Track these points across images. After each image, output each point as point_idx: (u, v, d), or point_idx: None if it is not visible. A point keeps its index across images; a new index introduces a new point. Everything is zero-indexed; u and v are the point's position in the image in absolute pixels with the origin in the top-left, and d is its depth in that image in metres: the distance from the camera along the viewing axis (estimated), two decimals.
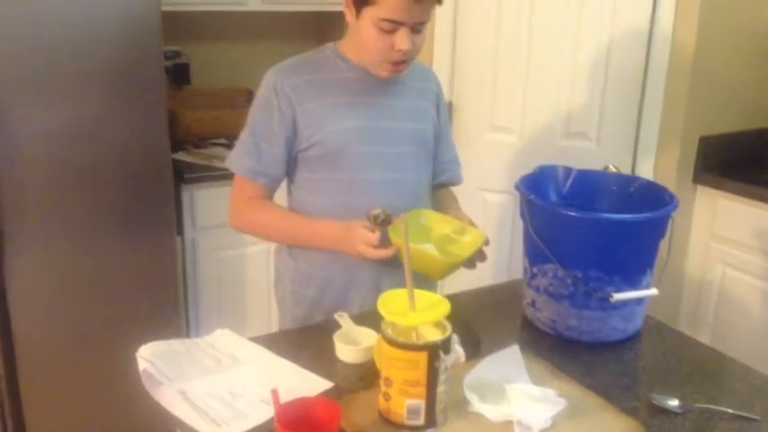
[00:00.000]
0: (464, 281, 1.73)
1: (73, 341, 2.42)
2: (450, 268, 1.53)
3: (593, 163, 2.65)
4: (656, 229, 1.45)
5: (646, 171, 2.64)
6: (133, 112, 2.36)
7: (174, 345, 1.42)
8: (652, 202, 1.53)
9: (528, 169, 2.61)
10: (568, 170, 1.67)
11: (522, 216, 1.54)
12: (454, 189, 1.94)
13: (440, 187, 1.90)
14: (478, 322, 1.59)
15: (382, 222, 1.51)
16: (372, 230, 1.52)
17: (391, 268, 1.57)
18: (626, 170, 2.65)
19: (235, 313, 2.91)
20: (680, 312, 2.80)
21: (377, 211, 1.52)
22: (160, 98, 2.39)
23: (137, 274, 2.49)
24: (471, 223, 1.68)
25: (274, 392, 1.10)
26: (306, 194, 1.72)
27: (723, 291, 2.68)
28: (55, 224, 2.31)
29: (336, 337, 1.41)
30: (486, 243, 1.61)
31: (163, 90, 2.40)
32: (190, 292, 2.82)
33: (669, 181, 2.64)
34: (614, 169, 2.62)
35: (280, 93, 1.63)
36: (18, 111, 2.17)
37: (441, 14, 2.76)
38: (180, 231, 2.71)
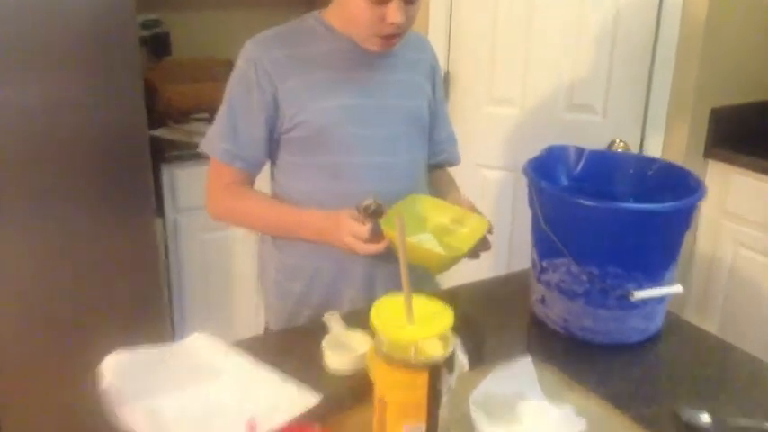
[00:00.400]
0: (464, 270, 1.58)
1: (49, 327, 2.28)
2: (451, 262, 1.38)
3: (598, 137, 2.49)
4: (683, 219, 1.30)
5: (655, 145, 2.48)
6: (106, 87, 2.19)
7: (143, 354, 1.26)
8: (673, 188, 1.38)
9: (529, 144, 2.45)
10: (580, 151, 1.52)
11: (531, 205, 1.39)
12: (452, 170, 1.79)
13: (436, 168, 1.75)
14: (482, 321, 1.45)
15: (373, 214, 1.36)
16: (362, 222, 1.37)
17: (385, 260, 1.42)
18: (634, 144, 2.50)
19: (221, 299, 2.76)
20: (689, 294, 2.66)
21: (367, 202, 1.37)
22: (135, 71, 2.22)
23: (116, 258, 2.34)
24: (473, 208, 1.52)
25: (250, 425, 0.95)
26: (290, 179, 1.56)
27: (734, 271, 2.55)
28: (28, 206, 2.16)
29: (325, 344, 1.26)
30: (490, 231, 1.46)
31: (138, 62, 2.23)
32: (174, 276, 2.67)
33: (679, 156, 2.49)
34: (621, 145, 2.47)
35: (259, 68, 1.46)
36: None
37: None
38: (161, 213, 2.55)
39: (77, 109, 2.16)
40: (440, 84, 1.70)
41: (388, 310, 1.03)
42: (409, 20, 1.43)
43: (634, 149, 2.50)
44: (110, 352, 1.22)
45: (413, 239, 1.41)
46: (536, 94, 2.58)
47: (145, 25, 2.89)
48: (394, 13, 1.38)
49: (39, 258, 2.22)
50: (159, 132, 2.67)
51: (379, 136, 1.52)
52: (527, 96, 2.59)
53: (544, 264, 1.37)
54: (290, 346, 1.32)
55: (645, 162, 1.49)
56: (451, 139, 1.77)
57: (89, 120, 2.19)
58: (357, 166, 1.51)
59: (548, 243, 1.34)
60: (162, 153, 2.52)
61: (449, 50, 2.65)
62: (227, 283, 2.76)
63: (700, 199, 1.28)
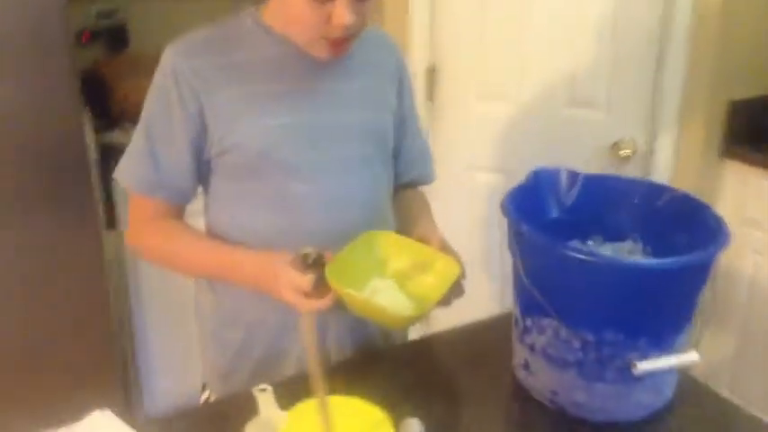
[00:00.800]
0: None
1: None
2: (413, 321, 1.13)
3: (602, 136, 2.22)
4: (701, 274, 1.03)
5: (665, 145, 2.21)
6: (38, 90, 1.92)
7: None
8: (687, 224, 1.12)
9: (525, 144, 2.19)
10: (574, 175, 1.25)
11: (511, 249, 1.12)
12: (440, 172, 1.54)
13: (406, 188, 1.48)
14: (456, 387, 1.20)
15: (314, 264, 1.10)
16: (303, 271, 1.11)
17: (340, 308, 1.16)
18: (643, 144, 2.22)
19: (183, 314, 2.50)
20: (704, 310, 2.39)
21: (306, 251, 1.11)
22: (70, 71, 1.95)
23: (61, 277, 2.07)
24: (444, 245, 1.25)
25: None
26: (225, 211, 1.30)
27: (755, 283, 2.28)
28: None
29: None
30: (463, 276, 1.20)
31: (72, 61, 1.96)
32: (132, 293, 2.41)
33: (693, 156, 2.22)
34: (628, 148, 2.19)
35: (180, 80, 1.20)
36: None
37: None
38: (112, 224, 2.29)
39: (7, 118, 1.90)
40: (408, 89, 1.43)
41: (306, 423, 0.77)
42: (361, 18, 1.16)
43: (643, 150, 2.22)
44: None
45: (365, 293, 1.16)
46: (532, 88, 2.30)
47: (100, 15, 2.62)
48: (341, 13, 1.11)
49: None
50: (114, 136, 2.40)
51: (329, 159, 1.26)
52: (522, 91, 2.31)
53: (527, 322, 1.11)
54: (211, 427, 1.07)
55: (654, 191, 1.21)
56: (424, 154, 1.51)
57: (21, 127, 1.93)
58: (303, 196, 1.25)
59: (531, 297, 1.08)
60: (113, 160, 2.26)
61: (432, 39, 2.36)
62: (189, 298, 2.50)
63: (722, 247, 1.01)
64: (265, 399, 1.08)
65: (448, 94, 2.39)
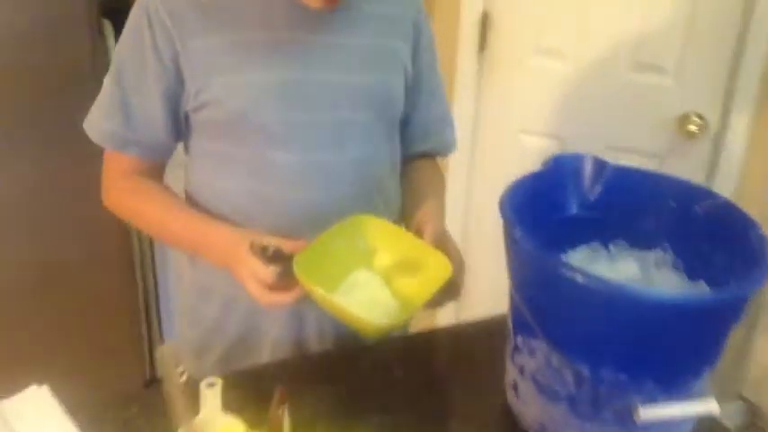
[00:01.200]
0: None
1: None
2: (392, 329, 0.97)
3: (668, 107, 1.98)
4: (731, 313, 0.83)
5: (739, 126, 1.94)
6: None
7: None
8: (727, 240, 0.92)
9: (581, 108, 1.97)
10: (601, 165, 1.06)
11: (506, 253, 0.94)
12: (490, 133, 1.35)
13: (420, 158, 1.30)
14: (440, 396, 1.05)
15: (274, 257, 0.96)
16: (266, 262, 0.97)
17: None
18: (714, 122, 1.96)
19: None
20: (757, 309, 2.14)
21: (264, 242, 0.97)
22: None
23: (77, 205, 1.97)
24: (438, 237, 1.08)
25: None
26: (203, 173, 1.17)
27: None
28: None
29: None
30: (460, 277, 1.04)
31: None
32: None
33: None
34: (696, 123, 1.94)
35: (154, 22, 1.05)
36: None
37: None
38: None
39: (25, 33, 1.80)
40: (427, 46, 1.24)
41: None
42: None
43: (713, 127, 1.97)
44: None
45: (342, 287, 1.01)
46: (593, 46, 2.05)
47: None
48: None
49: None
50: None
51: (319, 125, 1.10)
52: (582, 48, 2.07)
53: (518, 340, 0.94)
54: (151, 412, 0.96)
55: (693, 194, 1.00)
56: (442, 121, 1.33)
57: (40, 44, 1.82)
58: (286, 165, 1.10)
59: (521, 313, 0.91)
60: None
61: None
62: None
63: (762, 283, 0.81)
64: (210, 395, 0.96)
65: (501, 45, 2.16)
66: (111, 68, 1.11)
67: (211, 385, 0.96)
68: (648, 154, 2.03)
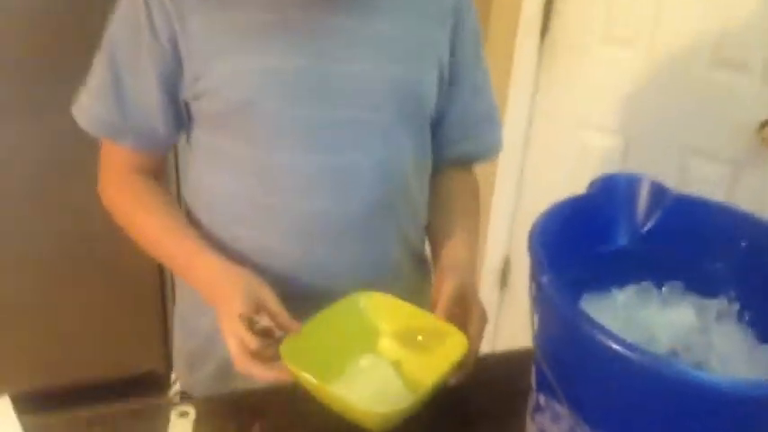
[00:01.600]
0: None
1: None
2: (403, 414, 0.83)
3: (749, 111, 1.77)
4: None
5: None
6: None
7: None
8: None
9: (653, 104, 1.80)
10: (660, 191, 0.89)
11: (529, 289, 0.79)
12: (545, 130, 1.20)
13: (451, 168, 1.15)
14: None
15: (263, 334, 0.84)
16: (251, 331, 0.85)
17: (333, 293, 0.94)
18: None
19: None
20: None
21: (255, 317, 0.85)
22: None
23: None
24: (465, 293, 0.94)
25: None
26: (203, 173, 1.05)
27: None
28: None
29: None
30: (467, 366, 0.89)
31: None
32: None
33: None
34: None
35: None
36: None
37: None
38: None
39: None
40: (469, 34, 1.08)
41: None
42: None
43: None
44: None
45: (340, 385, 0.87)
46: (670, 39, 1.85)
47: None
48: None
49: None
50: None
51: (330, 121, 0.96)
52: (656, 37, 1.86)
53: (540, 399, 0.79)
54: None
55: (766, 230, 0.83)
56: (487, 120, 1.16)
57: None
58: (290, 166, 0.97)
59: (543, 370, 0.76)
60: None
61: None
62: None
63: None
64: (181, 427, 0.85)
65: (566, 31, 1.98)
66: (102, 48, 0.99)
67: (183, 415, 0.85)
68: (723, 160, 1.83)
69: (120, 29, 0.97)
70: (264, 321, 0.87)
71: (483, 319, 0.95)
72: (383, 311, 0.95)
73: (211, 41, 0.93)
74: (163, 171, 1.09)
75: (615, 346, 0.63)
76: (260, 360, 0.84)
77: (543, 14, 1.95)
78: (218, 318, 0.89)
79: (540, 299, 0.74)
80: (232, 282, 0.89)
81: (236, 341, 0.85)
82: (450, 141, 1.13)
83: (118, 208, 1.05)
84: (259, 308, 0.87)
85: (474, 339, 0.91)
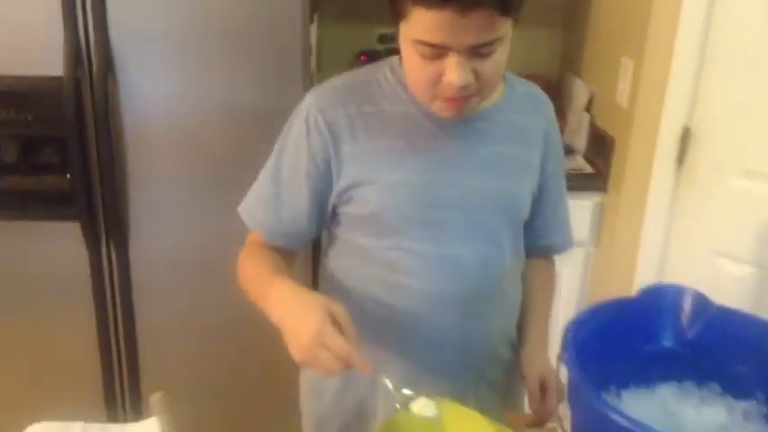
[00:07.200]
0: None
1: None
2: None
3: None
4: None
5: None
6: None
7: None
8: None
9: None
10: (703, 302, 1.01)
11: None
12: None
13: (537, 256, 1.38)
14: None
15: None
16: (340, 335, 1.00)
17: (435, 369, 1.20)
18: None
19: None
20: None
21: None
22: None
23: None
24: (545, 374, 1.19)
25: None
26: (343, 257, 1.29)
27: None
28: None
29: None
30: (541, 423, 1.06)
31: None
32: None
33: None
34: None
35: (312, 130, 1.19)
36: None
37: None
38: None
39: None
40: (556, 152, 1.31)
41: None
42: (483, 77, 1.06)
43: None
44: None
45: None
46: None
47: (382, 39, 2.72)
48: (451, 71, 1.03)
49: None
50: None
51: (449, 222, 1.19)
52: None
53: None
54: None
55: None
56: (565, 221, 1.38)
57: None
58: (418, 256, 1.19)
59: None
60: None
61: (695, 99, 2.06)
62: None
63: None
64: None
65: (703, 164, 2.08)
66: (270, 163, 1.26)
67: None
68: None
69: (285, 149, 1.23)
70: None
71: (559, 396, 1.16)
72: (455, 416, 1.04)
73: (359, 162, 1.18)
74: (293, 258, 1.31)
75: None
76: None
77: (679, 146, 2.07)
78: (284, 330, 1.03)
79: (572, 391, 0.89)
80: (305, 298, 1.05)
81: (311, 331, 0.98)
82: (537, 237, 1.33)
83: (240, 267, 1.26)
84: (332, 321, 1.00)
85: (548, 410, 1.16)
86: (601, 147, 2.38)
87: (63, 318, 2.14)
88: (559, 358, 0.91)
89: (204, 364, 2.24)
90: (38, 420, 1.15)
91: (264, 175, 1.27)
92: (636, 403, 0.98)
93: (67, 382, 2.20)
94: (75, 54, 1.87)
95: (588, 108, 2.52)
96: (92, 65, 1.90)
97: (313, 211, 1.23)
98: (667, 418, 0.96)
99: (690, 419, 0.96)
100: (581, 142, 2.52)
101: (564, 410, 1.07)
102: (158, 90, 1.96)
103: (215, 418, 2.13)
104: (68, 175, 1.97)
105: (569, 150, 2.47)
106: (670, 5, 2.01)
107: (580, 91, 2.59)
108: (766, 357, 0.94)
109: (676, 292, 1.03)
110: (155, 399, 1.00)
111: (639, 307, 1.02)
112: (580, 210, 2.30)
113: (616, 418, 0.80)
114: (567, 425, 0.99)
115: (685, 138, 2.08)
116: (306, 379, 1.39)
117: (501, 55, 1.06)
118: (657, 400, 0.99)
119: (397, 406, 1.02)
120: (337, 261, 1.30)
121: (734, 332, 0.98)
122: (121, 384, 2.24)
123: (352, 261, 1.26)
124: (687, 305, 1.02)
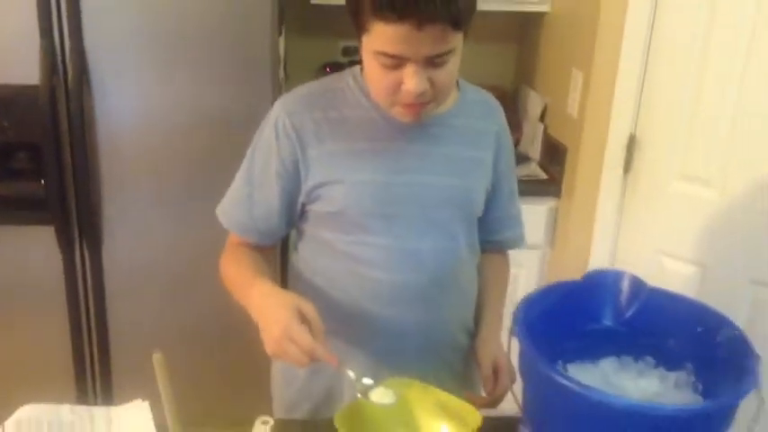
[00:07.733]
0: None
1: None
2: None
3: None
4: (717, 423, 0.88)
5: None
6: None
7: (64, 413, 1.20)
8: (739, 369, 0.96)
9: (728, 239, 1.96)
10: (638, 285, 1.13)
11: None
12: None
13: (491, 251, 1.49)
14: None
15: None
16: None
17: (399, 352, 1.29)
18: None
19: None
20: None
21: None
22: None
23: None
24: (497, 356, 1.29)
25: None
26: (311, 252, 1.39)
27: None
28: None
29: None
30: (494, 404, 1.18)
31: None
32: None
33: None
34: None
35: (281, 135, 1.29)
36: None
37: (635, 12, 2.13)
38: None
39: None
40: (505, 152, 1.41)
41: None
42: (438, 85, 1.17)
43: None
44: None
45: None
46: (744, 178, 2.03)
47: (346, 51, 2.83)
48: (409, 80, 1.14)
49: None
50: None
51: (407, 217, 1.30)
52: (731, 178, 2.06)
53: None
54: None
55: (716, 322, 1.05)
56: (517, 219, 1.49)
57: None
58: (379, 249, 1.30)
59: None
60: None
61: (639, 107, 2.20)
62: None
63: (739, 398, 0.85)
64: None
65: (646, 169, 2.22)
66: (243, 166, 1.35)
67: (265, 423, 1.16)
68: None
69: (257, 154, 1.33)
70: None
71: (511, 377, 1.27)
72: (415, 392, 1.18)
73: (325, 164, 1.28)
74: (270, 252, 1.41)
75: (571, 385, 0.88)
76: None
77: (626, 153, 2.21)
78: (260, 326, 1.13)
79: (524, 362, 1.00)
80: (279, 298, 1.16)
81: (280, 327, 1.07)
82: (490, 232, 1.44)
83: (222, 268, 1.37)
84: (302, 318, 1.11)
85: (501, 392, 1.25)
86: (554, 155, 2.52)
87: (36, 321, 2.20)
88: (510, 332, 1.01)
89: (176, 367, 2.29)
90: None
91: (239, 178, 1.37)
92: (580, 375, 1.08)
93: (40, 386, 2.23)
94: (51, 63, 1.94)
95: (542, 118, 2.66)
96: (67, 73, 1.98)
97: (283, 209, 1.33)
98: (608, 388, 1.07)
99: (628, 389, 1.07)
100: (536, 151, 2.65)
101: (517, 390, 1.18)
102: (132, 98, 2.04)
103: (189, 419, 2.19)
104: (43, 181, 2.04)
105: (525, 158, 2.61)
106: (615, 19, 2.15)
107: (534, 102, 2.73)
108: (694, 333, 1.06)
109: (616, 277, 1.14)
110: (156, 359, 1.08)
111: (584, 289, 1.13)
112: (535, 214, 2.44)
113: (564, 381, 0.90)
114: (521, 399, 1.10)
115: (631, 146, 2.22)
116: (277, 369, 1.48)
117: (453, 65, 1.17)
118: (600, 373, 1.10)
119: (358, 395, 1.13)
120: (305, 255, 1.39)
121: (666, 311, 1.10)
122: (94, 388, 2.29)
123: (320, 255, 1.36)
124: (625, 288, 1.13)
